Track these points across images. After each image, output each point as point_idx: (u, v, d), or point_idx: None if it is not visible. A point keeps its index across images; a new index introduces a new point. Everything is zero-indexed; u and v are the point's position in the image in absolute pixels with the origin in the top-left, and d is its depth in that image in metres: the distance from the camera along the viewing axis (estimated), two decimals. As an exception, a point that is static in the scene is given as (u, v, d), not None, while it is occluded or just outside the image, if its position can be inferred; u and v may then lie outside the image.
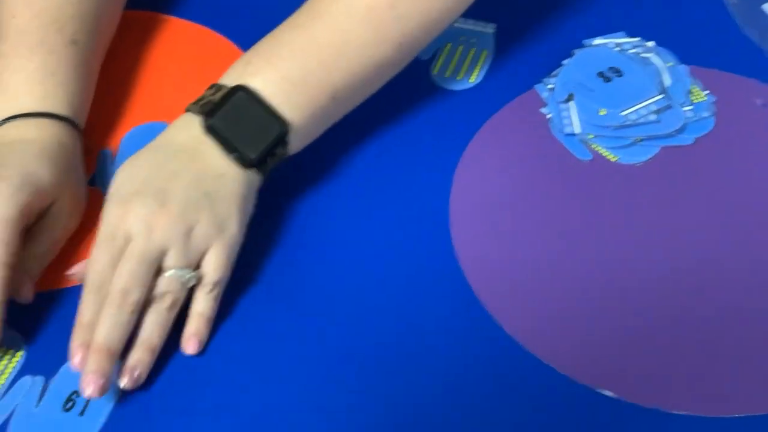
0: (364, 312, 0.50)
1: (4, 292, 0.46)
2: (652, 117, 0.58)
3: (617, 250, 0.52)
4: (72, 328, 0.45)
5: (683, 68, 0.62)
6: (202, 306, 0.48)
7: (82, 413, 0.46)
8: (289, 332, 0.49)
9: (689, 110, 0.59)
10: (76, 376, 0.46)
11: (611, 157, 0.57)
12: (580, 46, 0.64)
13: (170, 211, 0.47)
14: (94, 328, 0.44)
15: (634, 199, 0.55)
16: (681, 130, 0.58)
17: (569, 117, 0.59)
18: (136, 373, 0.45)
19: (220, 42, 0.67)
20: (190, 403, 0.47)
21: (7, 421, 0.46)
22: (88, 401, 0.46)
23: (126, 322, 0.45)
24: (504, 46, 0.65)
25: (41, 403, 0.46)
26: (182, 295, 0.47)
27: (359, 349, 0.48)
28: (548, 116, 0.60)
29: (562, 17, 0.67)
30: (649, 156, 0.57)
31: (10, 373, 0.48)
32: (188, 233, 0.47)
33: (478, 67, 0.64)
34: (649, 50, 0.63)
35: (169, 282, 0.46)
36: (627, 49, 0.63)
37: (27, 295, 0.49)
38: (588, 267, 0.51)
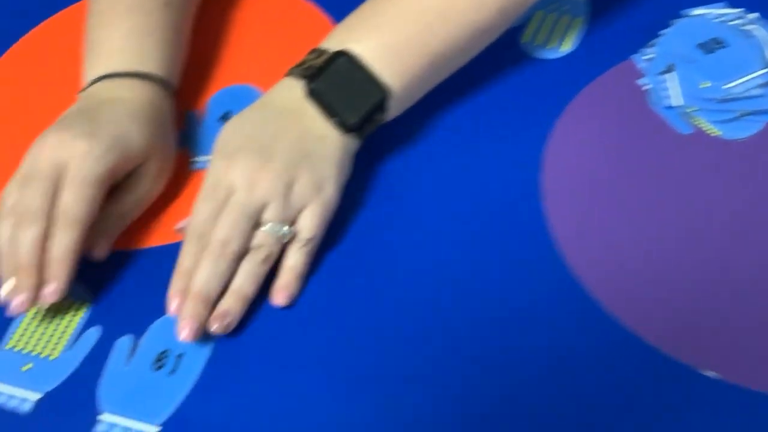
0: (451, 282, 0.49)
1: (75, 250, 0.47)
2: (757, 91, 0.55)
3: (718, 227, 0.50)
4: (165, 280, 0.46)
5: (789, 41, 0.59)
6: (294, 260, 0.48)
7: (172, 373, 0.46)
8: (375, 293, 0.49)
9: (796, 85, 0.56)
10: (166, 336, 0.47)
11: (713, 131, 0.55)
12: (678, 16, 0.61)
13: (272, 168, 0.47)
14: (193, 276, 0.46)
15: (737, 176, 0.52)
16: (787, 105, 0.55)
17: (669, 89, 0.57)
18: (227, 321, 0.46)
19: (305, 6, 0.66)
20: (280, 364, 0.46)
21: (89, 374, 0.46)
22: (178, 361, 0.46)
23: (223, 272, 0.46)
24: (598, 14, 0.62)
25: (131, 361, 0.47)
26: (276, 250, 0.47)
27: (447, 315, 0.48)
28: (646, 88, 0.57)
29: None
30: (754, 131, 0.54)
31: (77, 324, 0.48)
32: (288, 190, 0.47)
33: (571, 36, 0.61)
34: (752, 22, 0.60)
35: (265, 235, 0.47)
36: (729, 20, 0.60)
37: (100, 253, 0.49)
38: (688, 244, 0.49)
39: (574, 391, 0.44)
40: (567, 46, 0.61)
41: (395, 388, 0.45)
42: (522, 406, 0.44)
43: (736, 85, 0.56)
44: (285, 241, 0.48)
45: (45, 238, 0.46)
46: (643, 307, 0.47)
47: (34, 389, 0.46)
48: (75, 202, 0.46)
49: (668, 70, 0.57)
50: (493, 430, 0.43)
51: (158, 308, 0.47)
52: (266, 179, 0.47)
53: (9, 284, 0.46)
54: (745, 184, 0.52)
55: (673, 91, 0.56)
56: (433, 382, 0.45)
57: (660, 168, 0.53)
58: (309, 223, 0.48)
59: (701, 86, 0.56)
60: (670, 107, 0.56)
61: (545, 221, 0.51)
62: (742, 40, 0.58)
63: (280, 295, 0.48)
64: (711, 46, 0.58)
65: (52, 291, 0.46)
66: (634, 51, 0.60)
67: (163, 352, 0.46)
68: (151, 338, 0.47)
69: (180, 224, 0.50)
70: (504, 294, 0.48)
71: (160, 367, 0.46)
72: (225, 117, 0.57)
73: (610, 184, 0.52)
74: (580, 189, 0.52)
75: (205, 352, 0.46)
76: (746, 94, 0.55)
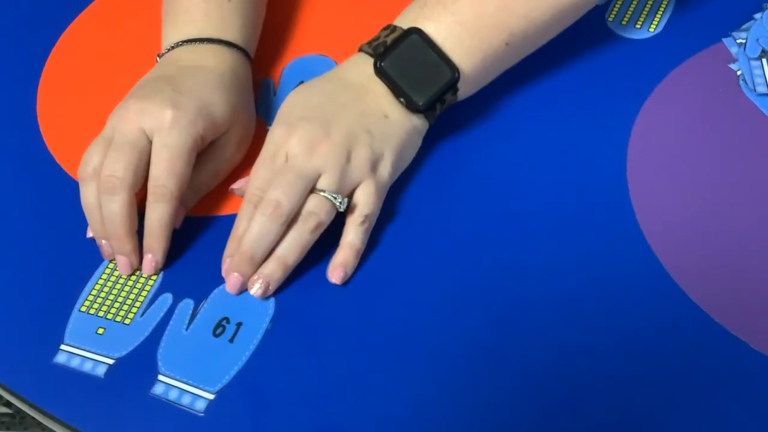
0: (532, 261, 0.48)
1: (171, 223, 0.47)
2: None
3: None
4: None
5: None
6: (352, 237, 0.47)
7: (231, 340, 0.45)
8: (436, 270, 0.48)
9: None
10: (227, 303, 0.46)
11: (810, 121, 0.52)
12: (774, -1, 0.59)
13: (332, 139, 0.46)
14: (243, 234, 0.46)
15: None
16: None
17: (763, 75, 0.54)
18: (265, 285, 0.46)
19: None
20: (337, 340, 0.45)
21: (153, 337, 0.46)
22: (237, 329, 0.46)
23: (273, 233, 0.45)
24: (684, -4, 0.60)
25: (191, 326, 0.46)
26: (327, 220, 0.46)
27: (516, 296, 0.46)
28: (738, 73, 0.55)
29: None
30: None
31: (150, 290, 0.48)
32: (345, 163, 0.46)
33: (659, 16, 0.59)
34: None
35: (318, 202, 0.46)
36: (829, 5, 0.57)
37: (177, 222, 0.49)
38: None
39: (652, 378, 0.43)
40: (655, 27, 0.58)
41: (472, 369, 0.44)
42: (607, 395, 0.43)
43: (836, 74, 0.53)
44: (340, 210, 0.46)
45: (131, 206, 0.46)
46: (724, 295, 0.45)
47: (108, 354, 0.45)
48: (168, 176, 0.46)
49: (761, 55, 0.55)
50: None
51: (221, 276, 0.47)
52: (325, 149, 0.46)
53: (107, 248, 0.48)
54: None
55: (766, 78, 0.54)
56: (519, 371, 0.44)
57: (750, 156, 0.50)
58: (365, 199, 0.47)
59: (798, 73, 0.54)
60: (763, 94, 0.53)
61: (630, 206, 0.49)
62: (843, 26, 0.55)
63: (336, 273, 0.47)
64: (810, 31, 0.55)
65: (151, 264, 0.47)
66: (726, 34, 0.57)
67: (223, 319, 0.46)
68: (213, 305, 0.47)
69: (236, 185, 0.50)
70: (589, 282, 0.47)
71: (219, 334, 0.46)
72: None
73: (697, 172, 0.50)
74: (665, 172, 0.50)
75: (264, 322, 0.46)
76: None
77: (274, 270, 0.46)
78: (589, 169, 0.51)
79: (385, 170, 0.48)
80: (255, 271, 0.46)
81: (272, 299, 0.47)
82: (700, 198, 0.49)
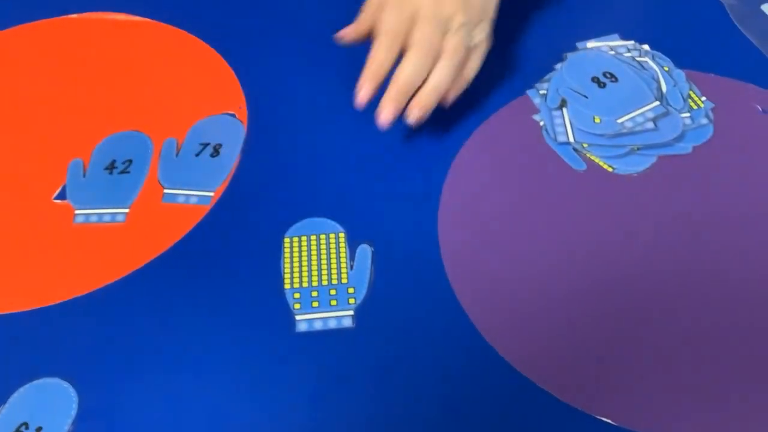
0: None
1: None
2: (650, 125, 0.55)
3: (614, 262, 0.49)
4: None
5: (680, 73, 0.59)
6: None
7: None
8: None
9: (687, 117, 0.57)
10: (27, 406, 0.44)
11: (607, 167, 0.54)
12: (574, 48, 0.61)
13: None
14: (398, 71, 0.51)
15: (632, 211, 0.52)
16: (679, 139, 0.55)
17: (562, 125, 0.56)
18: (423, 111, 0.51)
19: (196, 44, 0.64)
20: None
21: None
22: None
23: (425, 68, 0.51)
24: (495, 49, 0.62)
25: None
26: (467, 56, 0.53)
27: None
28: (541, 123, 0.57)
29: (554, 19, 0.65)
30: (646, 165, 0.54)
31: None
32: (467, 5, 0.52)
33: (467, 71, 0.61)
34: (644, 54, 0.60)
35: (458, 38, 0.52)
36: (622, 53, 0.60)
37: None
38: (583, 281, 0.49)
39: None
40: (463, 82, 0.60)
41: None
42: None
43: (628, 119, 0.56)
44: (477, 43, 0.53)
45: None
46: (527, 346, 0.46)
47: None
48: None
49: (561, 105, 0.57)
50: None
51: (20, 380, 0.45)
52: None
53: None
54: (639, 218, 0.52)
55: (566, 127, 0.56)
56: None
57: (555, 203, 0.52)
58: (472, 65, 0.54)
59: (594, 121, 0.56)
60: (564, 143, 0.56)
61: (439, 260, 0.50)
62: (635, 72, 0.58)
63: (416, 111, 0.51)
64: (604, 79, 0.58)
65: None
66: (530, 86, 0.59)
67: (22, 425, 0.43)
68: (12, 409, 0.44)
69: (342, 32, 0.56)
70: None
71: None
72: (110, 166, 0.55)
73: (504, 218, 0.51)
74: (474, 223, 0.51)
75: (66, 424, 0.44)
76: (638, 128, 0.55)
77: (429, 96, 0.51)
78: (403, 223, 0.52)
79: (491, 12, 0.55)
80: (405, 103, 0.51)
81: (74, 397, 0.44)
82: (511, 250, 0.50)
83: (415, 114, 0.51)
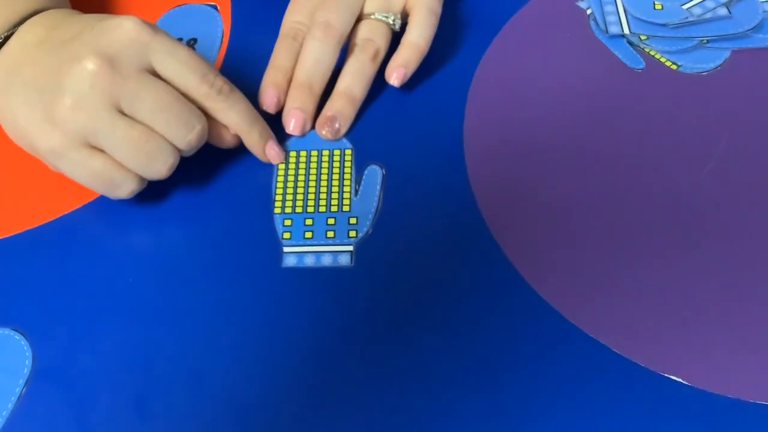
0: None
1: None
2: (722, 11, 0.46)
3: (679, 180, 0.40)
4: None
5: (759, -54, 0.49)
6: (416, 35, 0.43)
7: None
8: None
9: (767, 2, 0.47)
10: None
11: (670, 64, 0.45)
12: None
13: None
14: (296, 67, 0.43)
15: (699, 118, 0.43)
16: (758, 28, 0.45)
17: (615, 12, 0.46)
18: (337, 124, 0.43)
19: None
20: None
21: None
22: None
23: (328, 56, 0.42)
24: None
25: None
26: (385, 44, 0.44)
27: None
28: (588, 11, 0.47)
29: None
30: (718, 62, 0.45)
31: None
32: None
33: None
34: (714, -76, 0.50)
35: (371, 25, 0.43)
36: (686, -77, 0.50)
37: None
38: (644, 204, 0.40)
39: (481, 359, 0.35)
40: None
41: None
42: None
43: (696, 5, 0.46)
44: (395, 29, 0.44)
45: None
46: (553, 275, 0.38)
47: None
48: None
49: (614, -12, 0.47)
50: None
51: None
52: None
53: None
54: (708, 126, 0.42)
55: (620, 15, 0.46)
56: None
57: (606, 110, 0.43)
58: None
59: (655, 8, 0.46)
60: (617, 35, 0.46)
61: (464, 169, 0.42)
62: (703, -53, 0.48)
63: (397, 72, 0.43)
64: (666, -44, 0.48)
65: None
66: (573, -35, 0.49)
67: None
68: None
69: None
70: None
71: None
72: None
73: (540, 128, 0.42)
74: (503, 133, 0.42)
75: None
76: (708, 15, 0.45)
77: (342, 106, 0.43)
78: (428, 132, 0.44)
79: None
80: (315, 104, 0.43)
81: (28, 352, 0.37)
82: (537, 171, 0.41)
83: (326, 132, 0.43)
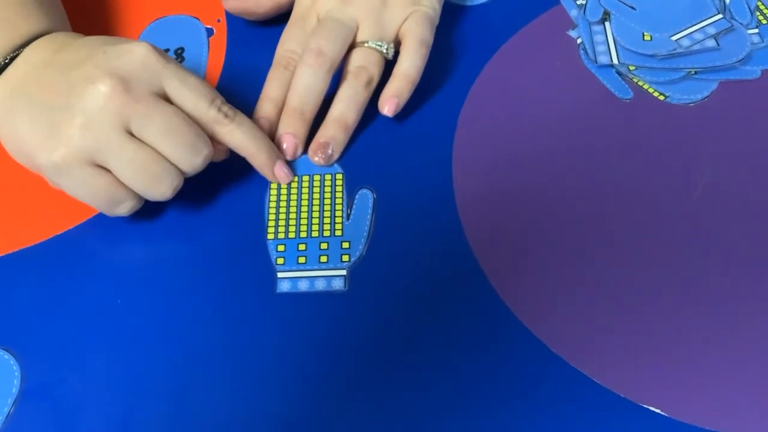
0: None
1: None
2: (710, 43, 0.46)
3: (665, 209, 0.41)
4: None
5: (747, -20, 0.49)
6: (407, 65, 0.44)
7: None
8: None
9: (755, 34, 0.47)
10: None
11: (658, 95, 0.45)
12: (618, -49, 0.52)
13: None
14: (280, 102, 0.44)
15: (687, 148, 0.43)
16: (745, 60, 0.46)
17: (605, 43, 0.47)
18: (329, 151, 0.43)
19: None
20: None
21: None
22: None
23: (320, 83, 0.43)
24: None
25: None
26: (378, 72, 0.44)
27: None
28: (578, 41, 0.48)
29: None
30: (706, 93, 0.45)
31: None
32: (381, 8, 0.45)
33: (491, -23, 0.51)
34: (703, -44, 0.51)
35: (364, 53, 0.44)
36: (676, -45, 0.51)
37: None
38: (630, 231, 0.40)
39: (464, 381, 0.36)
40: (489, -10, 0.51)
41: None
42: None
43: (684, 36, 0.46)
44: (387, 58, 0.45)
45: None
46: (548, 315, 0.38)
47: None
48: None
49: (603, 19, 0.48)
50: None
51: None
52: (357, 1, 0.44)
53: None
54: (695, 157, 0.43)
55: (609, 45, 0.47)
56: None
57: (594, 140, 0.44)
58: (415, 28, 0.45)
59: (643, 39, 0.46)
60: (606, 65, 0.46)
61: (453, 192, 0.42)
62: (692, -21, 0.49)
63: (388, 104, 0.44)
64: (655, -13, 0.48)
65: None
66: (564, -5, 0.50)
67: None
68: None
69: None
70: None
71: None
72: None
73: (532, 166, 0.43)
74: (491, 162, 0.43)
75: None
76: (696, 47, 0.46)
77: (335, 133, 0.43)
78: (417, 153, 0.44)
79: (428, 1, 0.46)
80: (307, 130, 0.43)
81: (17, 372, 0.37)
82: (533, 195, 0.42)
83: (318, 159, 0.44)
